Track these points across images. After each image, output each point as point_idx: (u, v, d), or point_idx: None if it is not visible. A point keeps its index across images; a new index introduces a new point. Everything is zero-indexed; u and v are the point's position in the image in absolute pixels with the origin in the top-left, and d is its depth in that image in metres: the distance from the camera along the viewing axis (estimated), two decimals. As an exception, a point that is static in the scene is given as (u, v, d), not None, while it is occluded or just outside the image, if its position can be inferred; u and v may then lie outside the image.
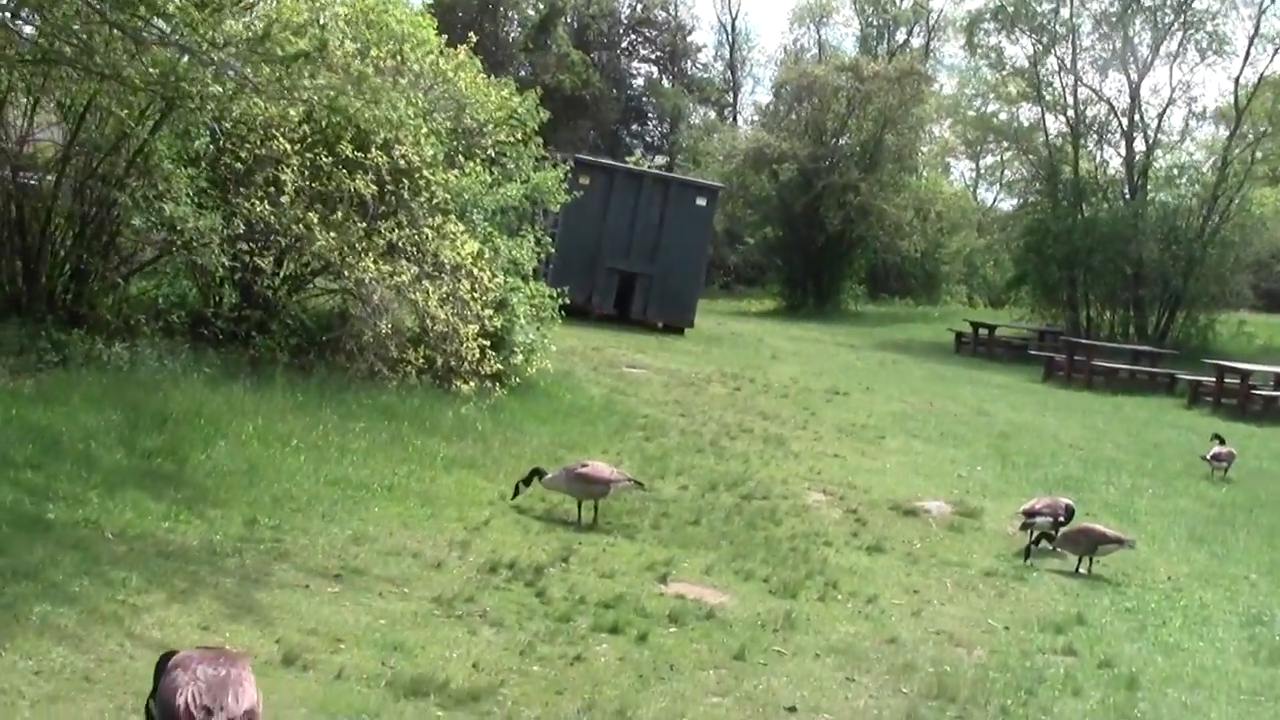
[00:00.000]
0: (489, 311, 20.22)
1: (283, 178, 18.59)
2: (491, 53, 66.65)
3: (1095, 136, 52.36)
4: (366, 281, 18.50)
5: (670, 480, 18.21)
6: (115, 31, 14.65)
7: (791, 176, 56.64)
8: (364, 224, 19.04)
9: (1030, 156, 53.47)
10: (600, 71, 68.93)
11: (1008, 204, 63.48)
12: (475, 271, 19.85)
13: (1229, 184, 47.75)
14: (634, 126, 73.25)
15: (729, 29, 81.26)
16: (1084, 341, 42.54)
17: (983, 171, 75.13)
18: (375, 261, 18.60)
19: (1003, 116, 54.94)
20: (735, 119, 74.40)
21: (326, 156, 19.01)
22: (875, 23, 77.21)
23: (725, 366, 31.24)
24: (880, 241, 58.83)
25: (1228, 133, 49.91)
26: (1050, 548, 16.35)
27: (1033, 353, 43.23)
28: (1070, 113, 51.48)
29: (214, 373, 17.91)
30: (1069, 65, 51.20)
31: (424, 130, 20.09)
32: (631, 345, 32.79)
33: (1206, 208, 48.33)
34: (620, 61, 73.03)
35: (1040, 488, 20.92)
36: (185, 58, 14.58)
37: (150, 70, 15.20)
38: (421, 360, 19.58)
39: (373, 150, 19.25)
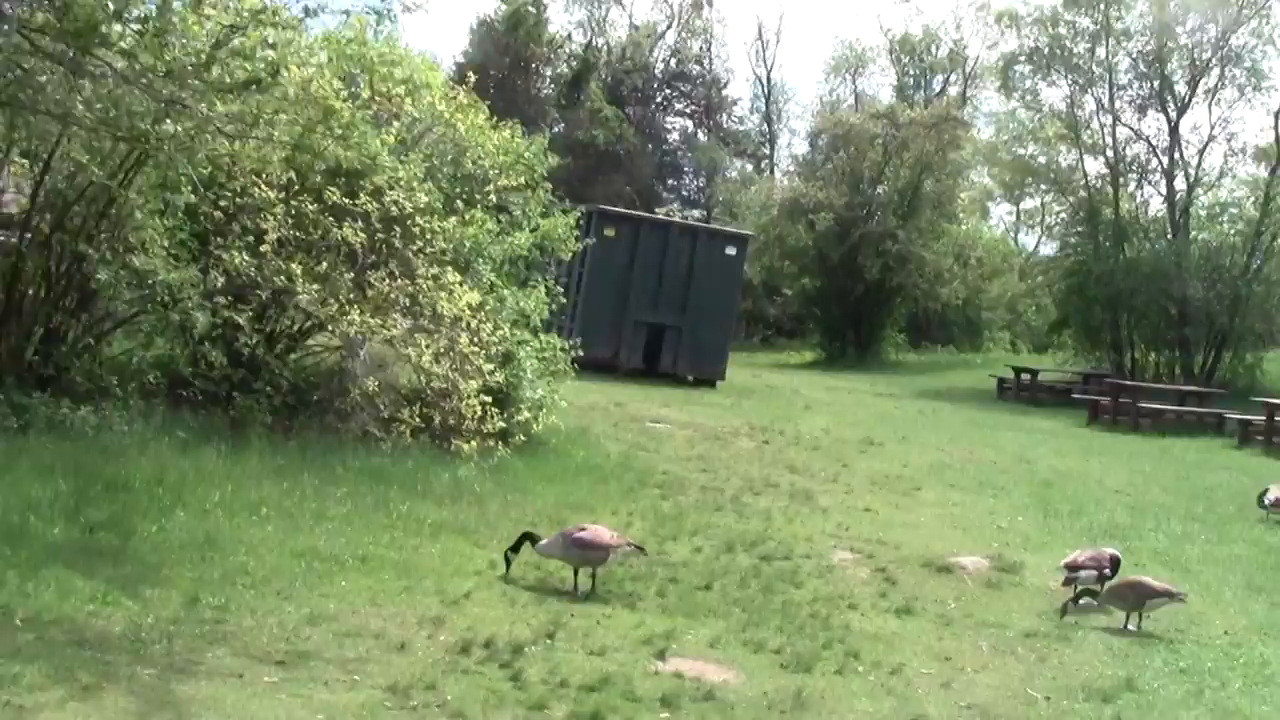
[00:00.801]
0: (491, 366, 18.65)
1: (264, 226, 17.10)
2: (524, 109, 65.81)
3: (1135, 176, 50.62)
4: (353, 335, 16.94)
5: (684, 542, 16.63)
6: (58, 66, 13.18)
7: (828, 226, 55.00)
8: (352, 274, 17.50)
9: (1070, 198, 51.77)
10: (635, 126, 67.69)
11: (1048, 248, 61.93)
12: (475, 324, 18.29)
13: (1272, 220, 45.92)
14: (670, 181, 71.86)
15: (764, 81, 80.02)
16: (1129, 383, 40.71)
17: (1023, 215, 73.55)
18: (364, 314, 17.05)
19: (1041, 159, 53.28)
20: (772, 171, 72.94)
21: (312, 204, 17.52)
22: (912, 72, 75.88)
23: (755, 419, 29.58)
24: (920, 289, 57.14)
25: (1269, 169, 48.02)
26: (1095, 604, 14.83)
27: (1077, 396, 41.44)
28: (1109, 153, 49.80)
29: (188, 436, 16.45)
30: (1107, 105, 49.54)
31: (415, 174, 18.57)
32: (657, 400, 31.18)
33: (1250, 245, 46.73)
34: (655, 116, 71.77)
35: (1085, 537, 19.27)
36: (133, 91, 13.01)
37: (97, 107, 13.71)
38: (418, 419, 18.02)
39: (362, 196, 17.74)
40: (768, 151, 76.84)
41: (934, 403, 40.33)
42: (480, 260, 20.92)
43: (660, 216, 41.31)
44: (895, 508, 20.78)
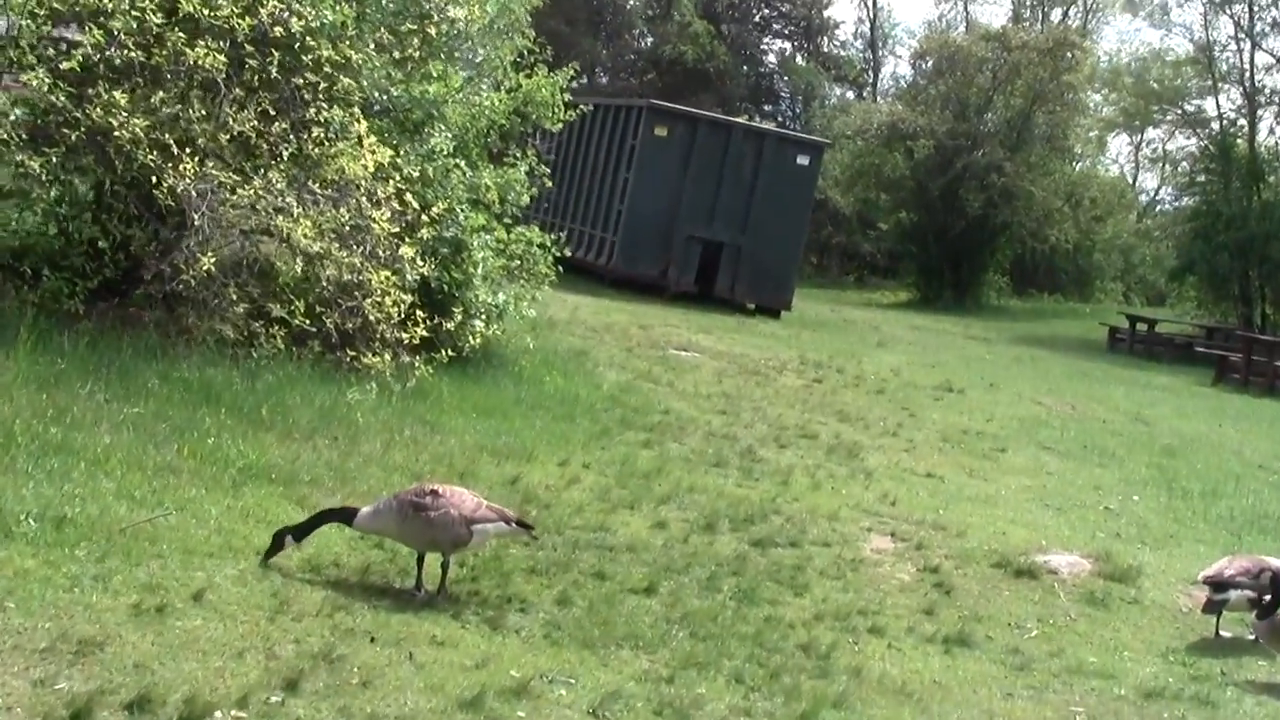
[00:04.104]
0: (414, 254, 13.20)
1: (78, 40, 11.70)
2: (609, 20, 60.42)
3: (1275, 109, 44.19)
4: (188, 191, 11.50)
5: (644, 512, 11.40)
6: None
7: (928, 154, 49.17)
8: (201, 110, 12.02)
9: (1198, 131, 45.46)
10: (728, 45, 61.76)
11: (1169, 194, 56.08)
12: (385, 194, 12.80)
13: None
14: (765, 106, 65.93)
15: (869, 4, 73.84)
16: (1265, 338, 34.45)
17: (1144, 152, 67.03)
18: (206, 163, 11.58)
19: (1169, 85, 47.16)
20: (875, 100, 66.91)
21: (156, 14, 12.02)
22: (1029, 2, 69.47)
23: (811, 353, 23.92)
24: (1026, 229, 51.04)
25: None
26: (1251, 639, 10.25)
27: (1200, 350, 35.32)
28: (1245, 82, 43.51)
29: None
30: (1245, 27, 43.19)
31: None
32: (696, 325, 25.52)
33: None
34: (751, 35, 65.75)
35: (1225, 531, 14.39)
36: None
37: None
38: (301, 319, 12.52)
39: (225, 5, 12.27)
40: (870, 78, 70.77)
41: (1034, 350, 34.27)
42: (435, 123, 15.42)
43: (721, 116, 35.09)
44: (968, 474, 15.49)
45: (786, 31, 67.19)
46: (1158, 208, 52.30)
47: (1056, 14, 67.93)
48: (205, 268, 11.54)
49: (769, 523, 11.67)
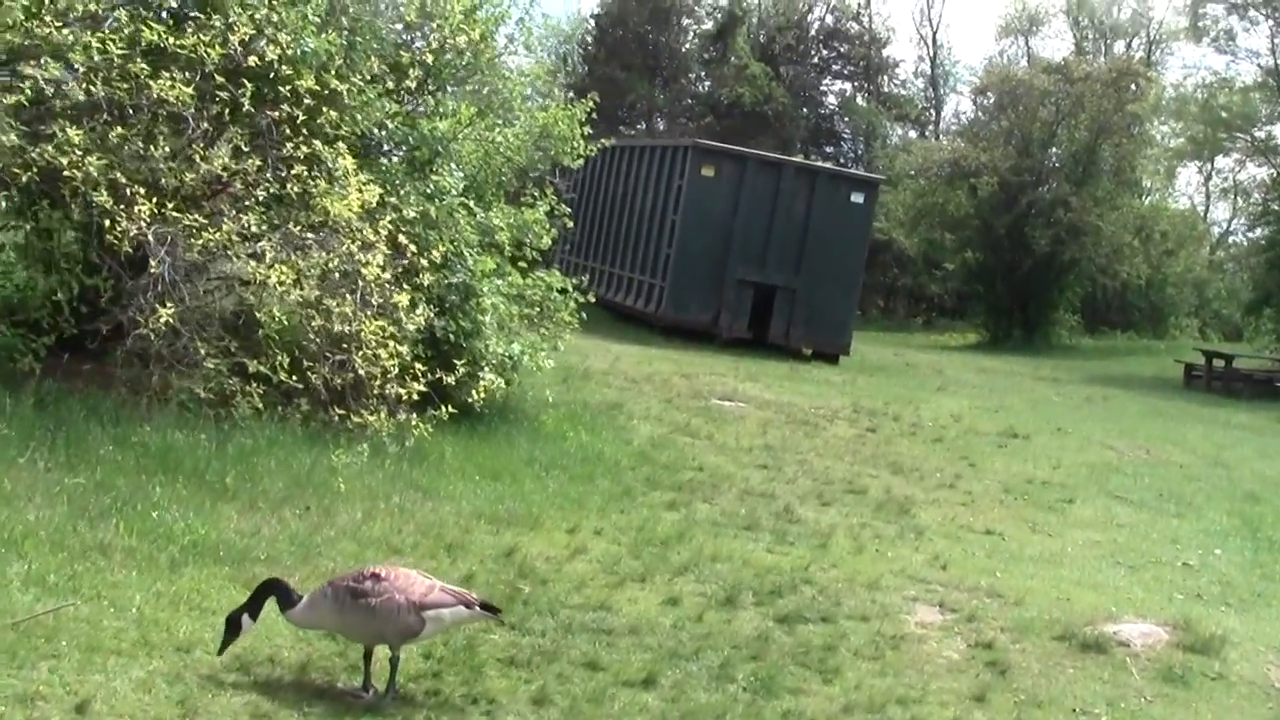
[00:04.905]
0: (409, 300, 12.00)
1: (27, 73, 10.58)
2: (665, 65, 59.41)
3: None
4: (144, 235, 10.33)
5: (656, 585, 10.08)
6: None
7: (992, 191, 47.74)
8: (165, 148, 10.86)
9: (1270, 158, 43.80)
10: (787, 87, 60.52)
11: (1240, 222, 54.26)
12: (373, 236, 11.58)
13: None
14: (826, 147, 64.58)
15: (929, 42, 72.26)
16: (1352, 373, 32.78)
17: (1213, 181, 65.17)
18: (160, 205, 10.42)
19: (1237, 113, 45.64)
20: (937, 138, 65.49)
21: (118, 44, 10.87)
22: (1091, 35, 68.05)
23: (866, 400, 22.45)
24: (1096, 265, 49.42)
25: None
26: None
27: (1281, 386, 33.64)
28: (1321, 103, 41.97)
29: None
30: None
31: (307, 19, 11.98)
32: (745, 373, 24.10)
33: None
34: (810, 77, 64.44)
35: None
36: None
37: None
38: (286, 375, 11.30)
39: (190, 35, 11.14)
40: (932, 116, 69.29)
41: (1106, 389, 32.60)
42: (444, 161, 14.23)
43: (770, 155, 33.66)
44: (1030, 530, 14.11)
45: (846, 72, 65.85)
46: (1231, 239, 50.53)
47: (1119, 46, 66.63)
48: (163, 319, 10.31)
49: (799, 595, 10.34)
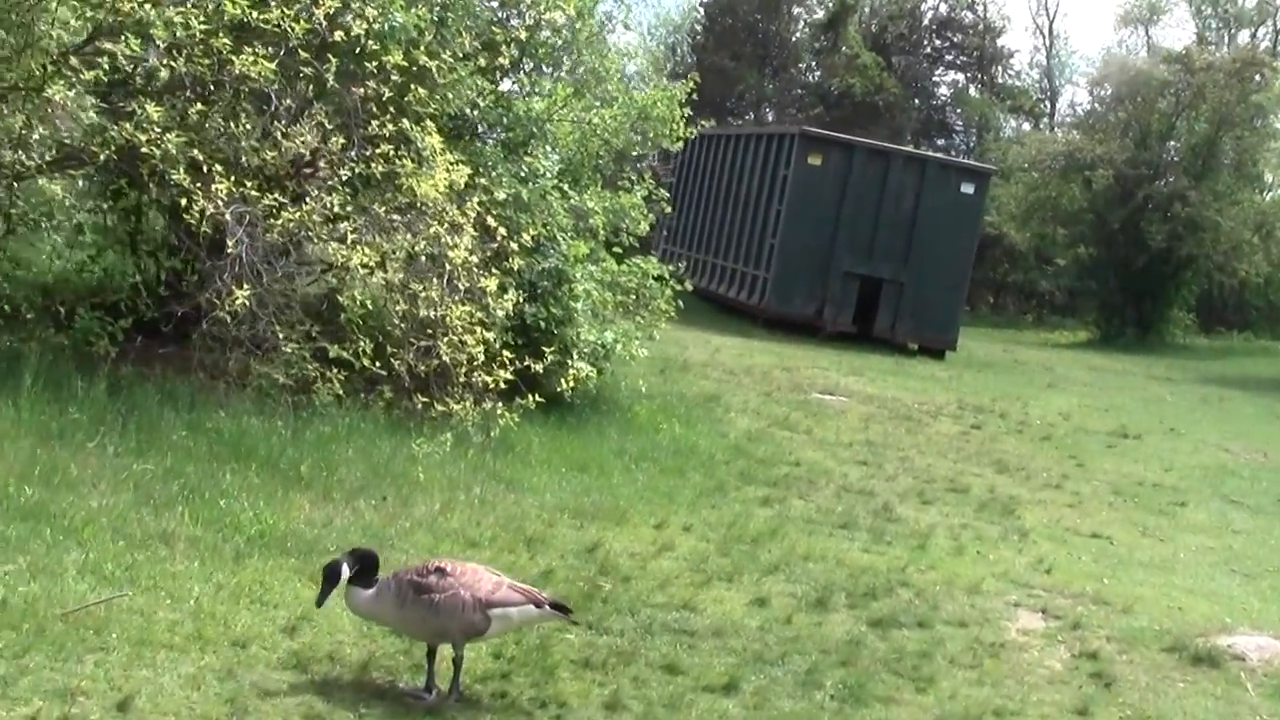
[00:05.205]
0: (497, 285, 11.66)
1: (106, 48, 10.35)
2: (774, 55, 58.89)
3: None
4: (222, 214, 10.05)
5: (744, 585, 9.66)
6: None
7: (1107, 185, 46.76)
8: (247, 125, 10.58)
9: None
10: (898, 77, 59.76)
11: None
12: (461, 218, 11.25)
13: None
14: (937, 139, 63.73)
15: (1045, 32, 70.99)
16: None
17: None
18: (238, 183, 10.12)
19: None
20: (1051, 130, 64.47)
21: (200, 20, 10.61)
22: (1214, 25, 66.55)
23: (971, 396, 21.91)
24: (1213, 262, 48.29)
25: None
26: None
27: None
28: None
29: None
30: None
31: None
32: (848, 367, 23.60)
33: None
34: (923, 67, 63.60)
35: None
36: None
37: None
38: (368, 361, 11.00)
39: (275, 7, 10.84)
40: (1047, 108, 68.12)
41: (1221, 390, 31.76)
42: (538, 143, 13.89)
43: (879, 143, 32.96)
44: (1140, 534, 13.64)
45: (959, 62, 64.89)
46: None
47: (1243, 36, 65.21)
48: (240, 302, 10.03)
49: (894, 597, 9.90)
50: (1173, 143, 49.12)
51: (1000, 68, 66.23)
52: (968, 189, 29.81)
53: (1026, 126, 65.72)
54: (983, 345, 33.69)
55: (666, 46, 64.15)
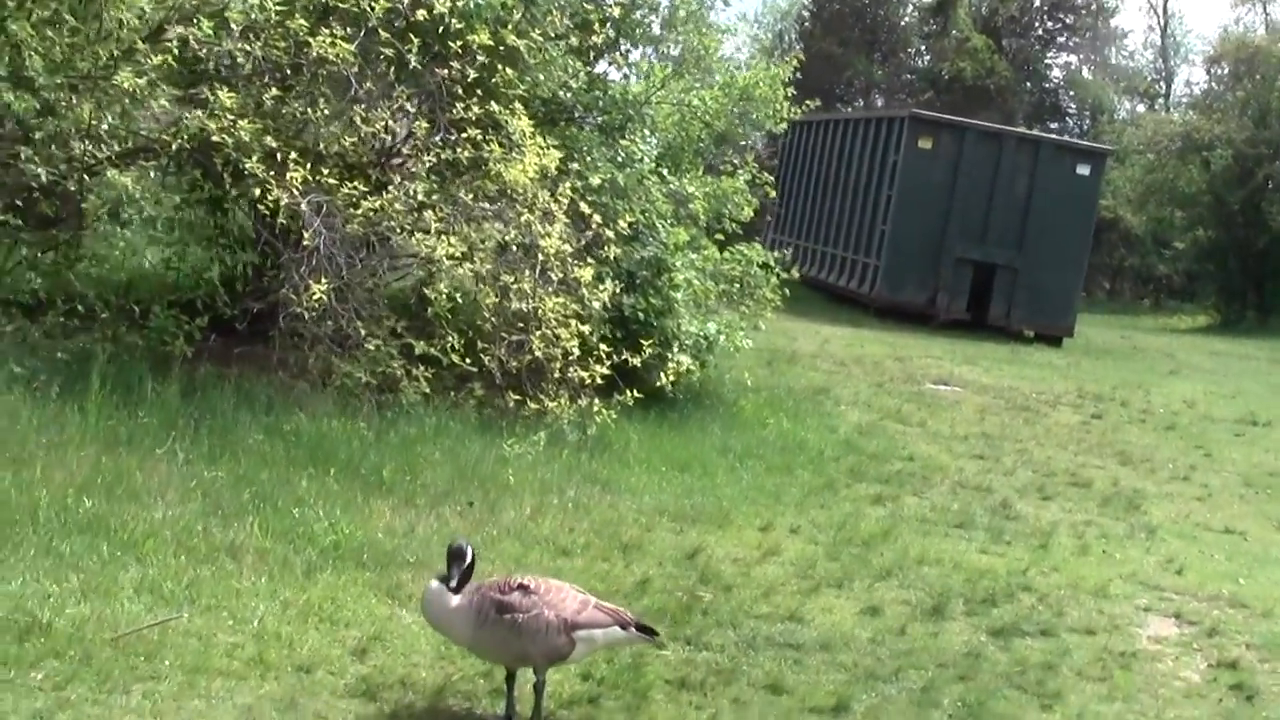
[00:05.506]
0: (589, 275, 11.05)
1: (177, 32, 9.87)
2: (883, 40, 58.00)
3: None
4: (297, 203, 9.52)
5: (855, 592, 9.03)
6: None
7: (1226, 165, 45.52)
8: (325, 110, 10.04)
9: None
10: (1009, 60, 58.60)
11: None
12: (554, 206, 10.65)
13: None
14: (1050, 123, 62.44)
15: (1160, 11, 69.53)
16: None
17: None
18: (314, 171, 9.59)
19: None
20: (1167, 111, 63.04)
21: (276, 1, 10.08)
22: (1332, -1, 64.90)
23: (1091, 384, 21.01)
24: (1334, 241, 47.02)
25: None
26: None
27: None
28: None
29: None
30: None
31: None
32: (962, 356, 22.76)
33: None
34: (1035, 50, 62.33)
35: None
36: None
37: None
38: (458, 357, 10.42)
39: (353, -13, 10.33)
40: (1162, 89, 66.66)
41: (1351, 372, 30.59)
42: (637, 126, 13.27)
43: (991, 125, 31.94)
44: (1276, 529, 13.07)
45: (1071, 44, 63.53)
46: None
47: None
48: (317, 297, 9.46)
49: (1016, 603, 9.17)
50: (1294, 121, 47.76)
51: (1114, 49, 65.02)
52: (1083, 170, 28.76)
53: (1141, 108, 64.38)
54: (1100, 332, 32.62)
55: (774, 34, 63.32)
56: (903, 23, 60.15)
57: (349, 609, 7.15)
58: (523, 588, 6.27)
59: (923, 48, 60.29)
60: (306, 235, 9.67)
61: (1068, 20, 63.48)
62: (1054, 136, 38.46)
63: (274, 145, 9.80)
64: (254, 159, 9.70)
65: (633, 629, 6.43)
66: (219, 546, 7.57)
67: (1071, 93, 64.09)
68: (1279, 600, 10.10)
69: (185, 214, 11.55)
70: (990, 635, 8.51)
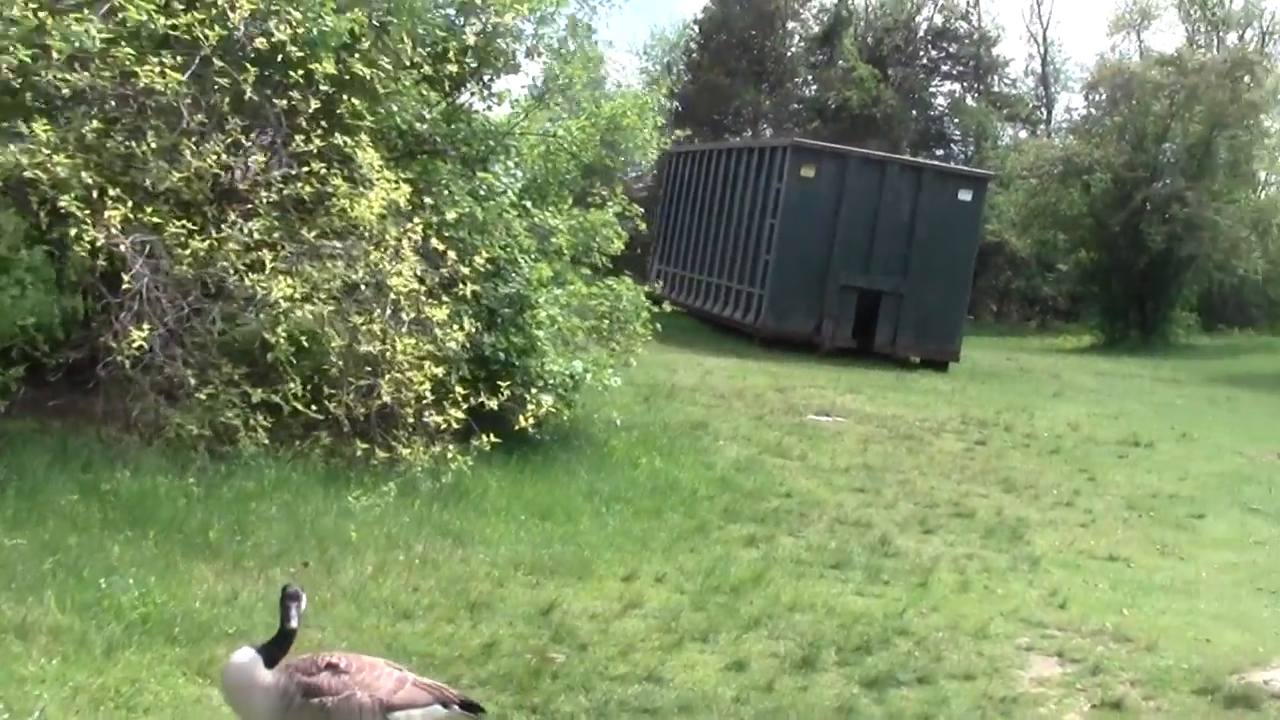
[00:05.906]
0: (442, 315, 10.26)
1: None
2: (770, 70, 57.70)
3: None
4: (107, 243, 8.68)
5: (721, 645, 8.32)
6: None
7: (1105, 188, 45.60)
8: (150, 143, 9.20)
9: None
10: (895, 88, 58.47)
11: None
12: (402, 240, 9.88)
13: None
14: (935, 150, 62.32)
15: (1040, 40, 69.80)
16: None
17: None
18: (136, 209, 8.78)
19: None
20: (1049, 137, 63.18)
21: (98, 28, 9.26)
22: (1203, 28, 65.23)
23: (976, 410, 20.46)
24: (1213, 261, 47.03)
25: None
26: None
27: None
28: None
29: None
30: None
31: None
32: (846, 385, 22.12)
33: None
34: (919, 78, 62.26)
35: None
36: None
37: None
38: (300, 404, 9.60)
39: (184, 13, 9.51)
40: (1044, 115, 66.82)
41: (1229, 390, 30.32)
42: (499, 157, 12.51)
43: (873, 152, 31.45)
44: (1159, 552, 12.41)
45: (955, 72, 63.68)
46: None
47: (1231, 39, 63.95)
48: (136, 343, 8.61)
49: (891, 650, 8.51)
50: (1168, 144, 48.10)
51: (996, 76, 65.05)
52: (965, 195, 28.34)
53: (1024, 134, 64.47)
54: (987, 355, 32.24)
55: (662, 65, 62.88)
56: (790, 53, 59.93)
57: (150, 692, 6.32)
58: (331, 667, 5.50)
59: (810, 77, 60.12)
60: (127, 278, 8.81)
61: (951, 49, 63.60)
62: (936, 163, 38.27)
63: (92, 181, 8.93)
64: (71, 196, 8.83)
65: (455, 706, 5.67)
66: (6, 626, 6.69)
67: (956, 120, 64.15)
68: (1162, 631, 9.53)
69: (24, 256, 10.68)
70: (863, 686, 7.84)
